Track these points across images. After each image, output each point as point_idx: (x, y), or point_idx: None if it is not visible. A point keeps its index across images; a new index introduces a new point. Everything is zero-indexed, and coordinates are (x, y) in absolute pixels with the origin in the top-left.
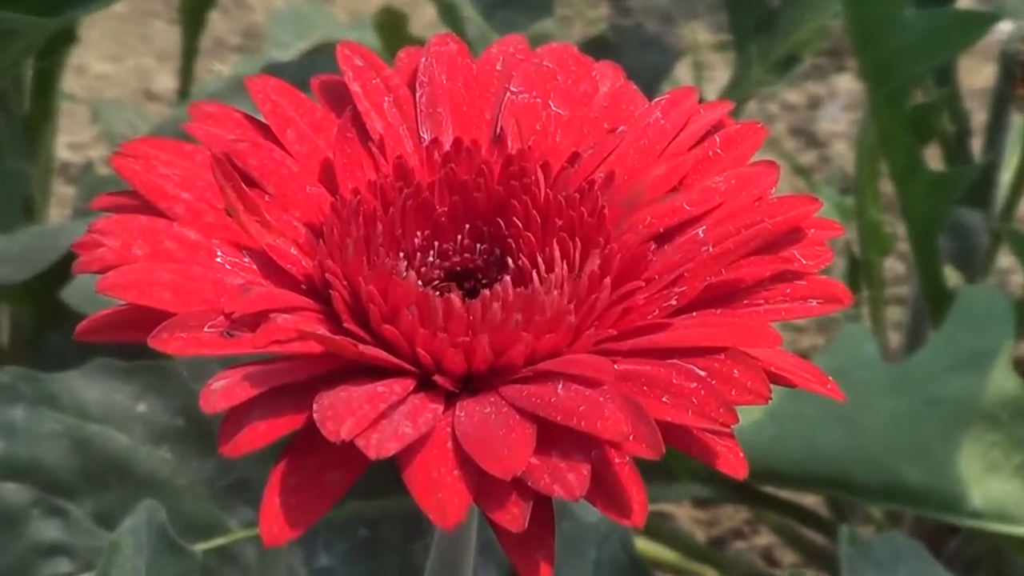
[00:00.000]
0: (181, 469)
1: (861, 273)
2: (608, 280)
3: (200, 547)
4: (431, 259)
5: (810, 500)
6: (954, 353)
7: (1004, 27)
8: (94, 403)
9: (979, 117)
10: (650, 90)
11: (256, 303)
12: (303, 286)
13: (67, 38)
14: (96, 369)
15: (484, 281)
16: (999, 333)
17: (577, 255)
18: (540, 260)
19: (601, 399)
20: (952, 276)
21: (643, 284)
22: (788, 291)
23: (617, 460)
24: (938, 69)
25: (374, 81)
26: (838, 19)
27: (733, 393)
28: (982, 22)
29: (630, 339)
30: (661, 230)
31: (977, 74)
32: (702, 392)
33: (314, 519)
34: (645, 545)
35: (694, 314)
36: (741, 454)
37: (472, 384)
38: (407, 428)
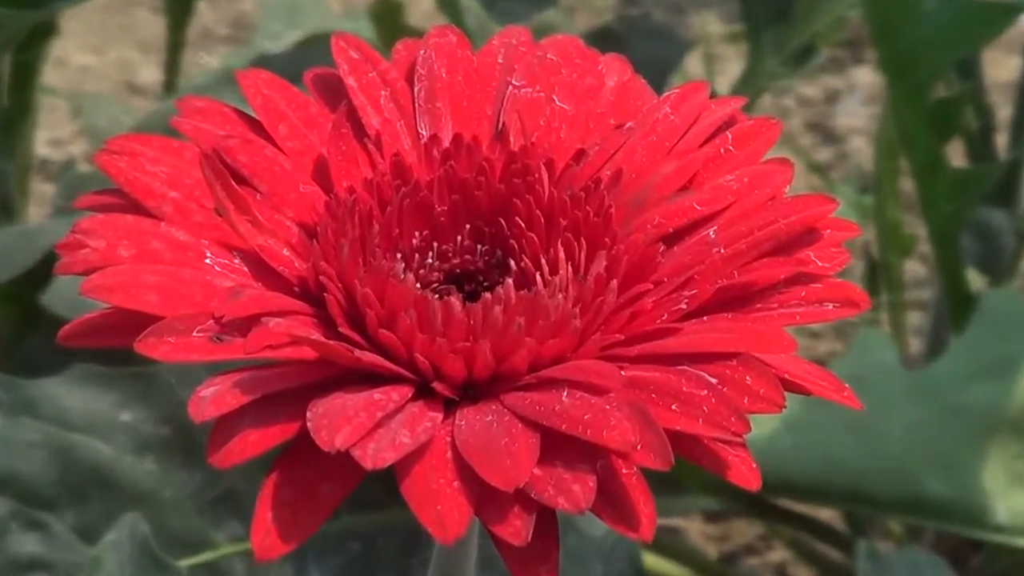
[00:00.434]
0: (167, 481)
1: (880, 276)
2: (615, 283)
3: (186, 563)
4: (430, 261)
5: (826, 514)
6: (977, 359)
7: None
8: (76, 411)
9: (1004, 112)
10: (659, 84)
11: (247, 306)
12: (296, 289)
13: (47, 30)
14: (78, 375)
15: (485, 284)
16: None
17: (582, 257)
18: (544, 262)
19: (607, 407)
20: (975, 279)
21: (651, 287)
22: (803, 294)
23: (624, 471)
24: (961, 61)
25: (370, 74)
26: (857, 8)
27: (745, 401)
28: (1007, 13)
29: (638, 344)
30: (670, 231)
31: (1002, 67)
32: (713, 400)
33: (308, 533)
34: (654, 561)
35: (705, 318)
36: (754, 465)
37: (473, 391)
38: (405, 437)
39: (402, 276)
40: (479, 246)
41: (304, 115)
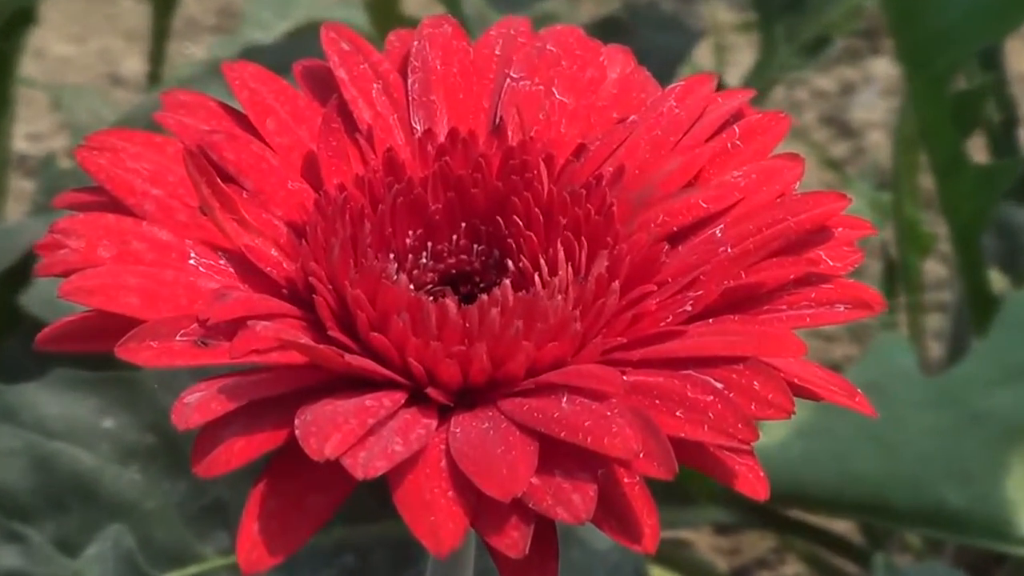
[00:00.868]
0: (151, 491)
1: (898, 276)
2: (617, 284)
3: None
4: (424, 261)
5: (842, 526)
6: (1000, 364)
7: None
8: (56, 418)
9: None
10: (667, 75)
11: (233, 309)
12: (284, 291)
13: (25, 17)
14: (58, 381)
15: (482, 285)
16: None
17: (583, 256)
18: (543, 262)
19: (609, 413)
20: (998, 280)
21: (655, 288)
22: (813, 296)
23: (626, 480)
24: (983, 52)
25: (362, 66)
26: None
27: (753, 407)
28: None
29: (641, 348)
30: (675, 229)
31: None
32: (719, 406)
33: (296, 545)
34: (661, 575)
35: (711, 321)
36: (762, 474)
37: (468, 398)
38: (397, 445)
39: (395, 277)
40: (475, 246)
41: (293, 109)
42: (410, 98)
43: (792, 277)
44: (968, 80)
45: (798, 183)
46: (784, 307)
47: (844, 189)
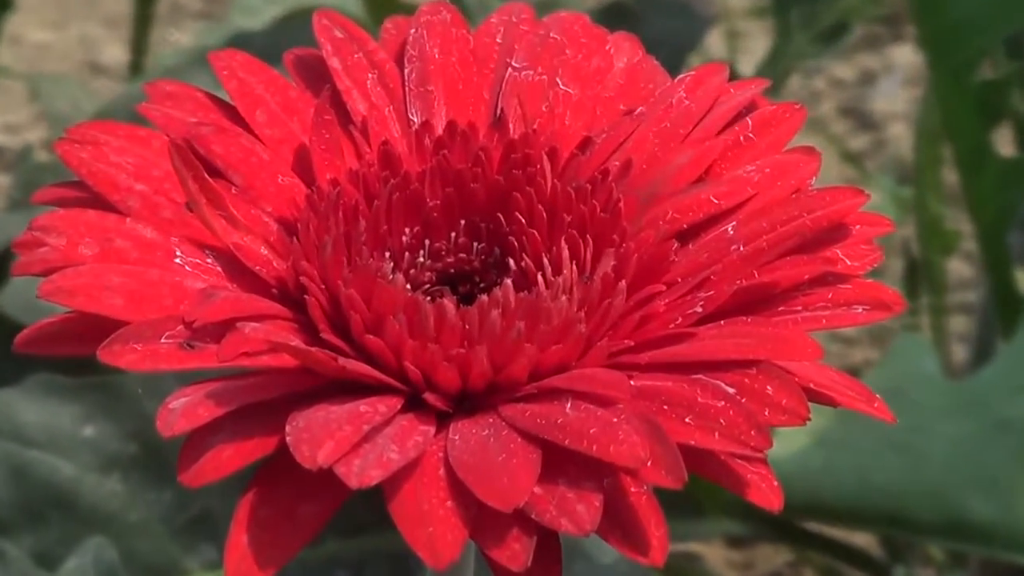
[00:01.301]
0: (134, 502)
1: (921, 276)
2: (624, 284)
3: None
4: (421, 260)
5: (861, 539)
6: None
7: None
8: (34, 426)
9: None
10: (677, 64)
11: (221, 310)
12: (275, 291)
13: (2, 4)
14: (37, 386)
15: (482, 285)
16: None
17: (588, 255)
18: (546, 261)
19: (615, 420)
20: None
21: (664, 288)
22: (830, 296)
23: (633, 489)
24: (1010, 39)
25: (356, 55)
26: None
27: (766, 413)
28: None
29: (649, 351)
30: (685, 226)
31: None
32: (731, 412)
33: (287, 557)
34: None
35: (722, 323)
36: (776, 483)
37: (468, 403)
38: (393, 453)
39: (390, 276)
40: (475, 244)
41: (284, 100)
42: (407, 89)
43: (807, 277)
44: (994, 69)
45: (814, 178)
46: (799, 308)
47: (863, 184)
